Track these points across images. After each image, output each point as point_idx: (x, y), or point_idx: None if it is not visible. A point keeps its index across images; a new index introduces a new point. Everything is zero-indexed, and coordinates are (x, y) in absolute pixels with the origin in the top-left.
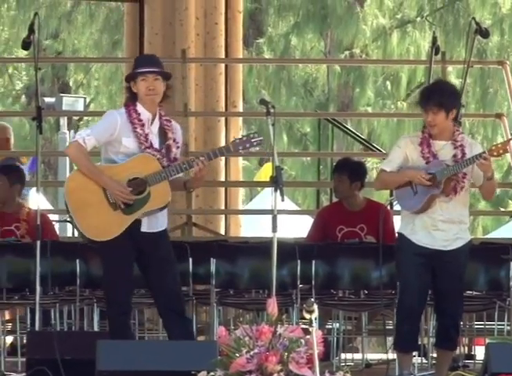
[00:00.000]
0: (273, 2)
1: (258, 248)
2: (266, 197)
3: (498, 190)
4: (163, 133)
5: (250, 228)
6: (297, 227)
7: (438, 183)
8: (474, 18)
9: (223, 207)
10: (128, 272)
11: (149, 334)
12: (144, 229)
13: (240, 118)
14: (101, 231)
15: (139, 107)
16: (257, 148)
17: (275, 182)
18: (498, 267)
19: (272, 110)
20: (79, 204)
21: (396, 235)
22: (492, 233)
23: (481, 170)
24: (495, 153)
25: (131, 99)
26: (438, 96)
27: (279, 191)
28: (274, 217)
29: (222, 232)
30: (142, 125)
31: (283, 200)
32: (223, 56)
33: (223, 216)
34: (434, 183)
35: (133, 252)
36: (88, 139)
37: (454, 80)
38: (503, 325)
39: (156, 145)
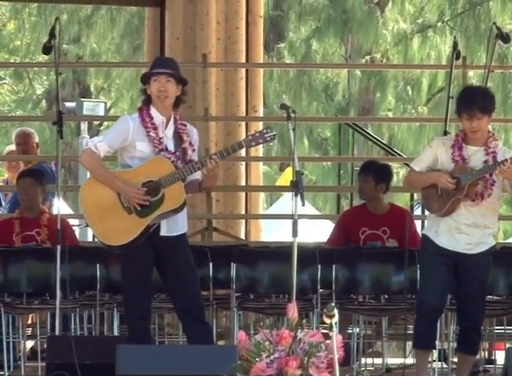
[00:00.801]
0: (294, 7)
1: (278, 253)
2: (287, 202)
3: None
4: (178, 137)
5: (271, 233)
6: (318, 232)
7: (462, 188)
8: (494, 23)
9: (243, 212)
10: (147, 276)
11: (169, 338)
12: (163, 232)
13: (261, 123)
14: (117, 235)
15: (153, 111)
16: (271, 145)
17: (296, 186)
18: None
19: (292, 115)
20: (94, 211)
21: (419, 239)
22: None
23: (503, 177)
24: None
25: (146, 102)
26: (482, 101)
27: (299, 196)
28: (294, 222)
29: (243, 236)
30: (156, 129)
31: (303, 204)
32: (244, 61)
33: (243, 221)
34: (458, 187)
35: (152, 256)
36: (99, 145)
37: (475, 85)
38: None
39: (171, 148)
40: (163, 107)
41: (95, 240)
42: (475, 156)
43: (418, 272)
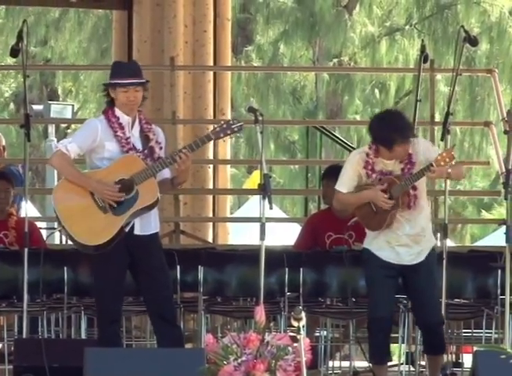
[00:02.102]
0: (262, 10)
1: (246, 256)
2: (254, 205)
3: (485, 198)
4: (144, 136)
5: (238, 236)
6: (285, 235)
7: (396, 200)
8: (462, 26)
9: (211, 215)
10: (121, 278)
11: (137, 341)
12: (137, 231)
13: None
14: (95, 235)
15: (118, 112)
16: (239, 148)
17: (264, 189)
18: (486, 275)
19: (260, 118)
20: (69, 212)
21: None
22: (480, 241)
23: (433, 178)
24: (442, 163)
25: (110, 103)
26: (410, 127)
27: (267, 199)
28: (262, 225)
29: (210, 239)
30: (122, 129)
31: (271, 207)
32: (212, 64)
33: (211, 224)
34: (392, 200)
35: (127, 258)
36: (70, 146)
37: (443, 88)
38: (491, 333)
39: (139, 147)
40: (130, 111)
41: (63, 242)
42: (392, 165)
43: None
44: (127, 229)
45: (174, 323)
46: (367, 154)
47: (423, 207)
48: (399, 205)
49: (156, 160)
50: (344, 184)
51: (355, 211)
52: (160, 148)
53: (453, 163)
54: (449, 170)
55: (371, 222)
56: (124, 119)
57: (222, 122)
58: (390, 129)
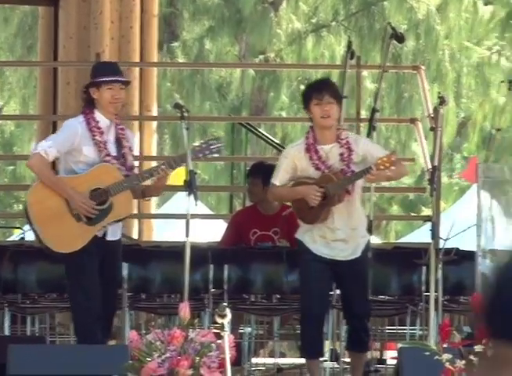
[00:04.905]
0: (188, 6)
1: (171, 253)
2: (179, 201)
3: (411, 195)
4: (119, 141)
5: (163, 232)
6: (211, 231)
7: (332, 197)
8: (389, 23)
9: (136, 212)
10: (96, 278)
11: (61, 338)
12: (109, 237)
13: (154, 122)
14: (65, 243)
15: (98, 115)
16: (164, 144)
17: (189, 186)
18: (410, 272)
19: (185, 114)
20: (42, 216)
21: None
22: (405, 238)
23: (372, 181)
24: (381, 167)
25: (89, 105)
26: (332, 88)
27: (192, 195)
28: (187, 221)
29: (135, 236)
30: (102, 133)
31: (196, 204)
32: (138, 60)
33: (136, 220)
34: (328, 197)
35: (98, 260)
36: (49, 150)
37: (369, 84)
38: (415, 330)
39: (113, 153)
40: (112, 112)
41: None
42: (331, 153)
43: None
44: (100, 235)
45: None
46: (306, 141)
47: (357, 204)
48: (335, 202)
49: (129, 168)
50: (278, 177)
51: (292, 203)
52: (133, 155)
53: (393, 168)
54: (389, 173)
55: (306, 215)
56: (104, 123)
57: (202, 142)
58: (308, 88)
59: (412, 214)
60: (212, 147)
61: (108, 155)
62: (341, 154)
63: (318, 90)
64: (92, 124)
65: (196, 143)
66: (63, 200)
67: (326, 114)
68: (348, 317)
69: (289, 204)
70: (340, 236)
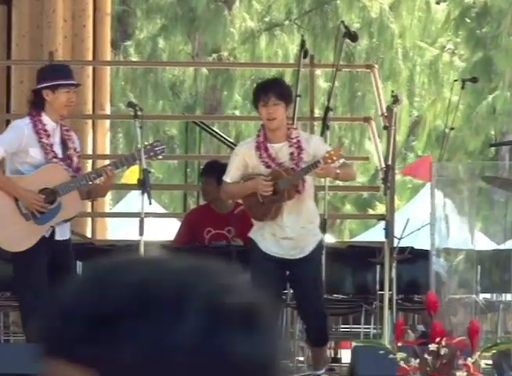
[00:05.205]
0: (141, 5)
1: (125, 251)
2: (133, 200)
3: (365, 194)
4: (64, 143)
5: (117, 231)
6: (164, 230)
7: (282, 193)
8: (342, 21)
9: (89, 210)
10: (45, 278)
11: (15, 337)
12: (58, 237)
13: (108, 121)
14: (14, 242)
15: (44, 117)
16: (118, 143)
17: (143, 184)
18: (365, 270)
19: (139, 113)
20: None
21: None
22: (359, 237)
23: (321, 176)
24: (329, 161)
25: (36, 107)
26: (278, 88)
27: (146, 194)
28: (141, 220)
29: (89, 235)
30: (48, 136)
31: (150, 203)
32: (91, 59)
33: (89, 219)
34: (278, 193)
35: (46, 260)
36: None
37: (322, 83)
38: (369, 328)
39: (59, 154)
40: (62, 115)
41: None
42: (281, 152)
43: None
44: (47, 235)
45: None
46: (256, 139)
47: (308, 202)
48: (285, 198)
49: (75, 169)
50: (229, 175)
51: (243, 200)
52: (78, 156)
53: (340, 161)
54: (338, 171)
55: (257, 211)
56: (50, 125)
57: (147, 144)
58: (256, 88)
59: (369, 212)
60: (157, 149)
61: (55, 157)
62: (291, 153)
63: (264, 91)
64: (39, 126)
65: (141, 145)
66: (12, 200)
67: (271, 117)
68: (302, 317)
69: (241, 201)
70: (289, 234)
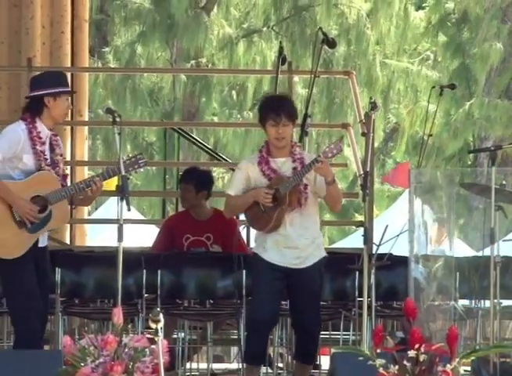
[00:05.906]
0: (119, 11)
1: (104, 258)
2: (111, 206)
3: (344, 200)
4: (52, 148)
5: (96, 237)
6: (143, 236)
7: (283, 198)
8: (320, 28)
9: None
10: (36, 281)
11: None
12: (40, 244)
13: (86, 127)
14: (7, 249)
15: (39, 124)
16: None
17: (121, 191)
18: (344, 277)
19: (117, 119)
20: None
21: (244, 244)
22: (338, 243)
23: (320, 175)
24: (329, 155)
25: (32, 113)
26: (290, 109)
27: (125, 200)
28: (120, 226)
29: (67, 241)
30: (42, 143)
31: (129, 209)
32: (69, 65)
33: (68, 225)
34: (279, 198)
35: (32, 266)
36: None
37: (300, 90)
38: (349, 335)
39: (48, 160)
40: (57, 123)
41: None
42: (284, 166)
43: (244, 277)
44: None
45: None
46: (260, 154)
47: (312, 213)
48: (286, 202)
49: (61, 176)
50: (232, 188)
51: (246, 214)
52: (63, 162)
53: (339, 155)
54: (336, 186)
55: (259, 221)
56: (45, 133)
57: (131, 156)
58: (265, 105)
59: (345, 219)
60: (140, 162)
61: (47, 165)
62: (294, 168)
63: (275, 112)
64: (34, 133)
65: (125, 157)
66: (6, 206)
67: (280, 136)
68: (296, 328)
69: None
70: (292, 244)
